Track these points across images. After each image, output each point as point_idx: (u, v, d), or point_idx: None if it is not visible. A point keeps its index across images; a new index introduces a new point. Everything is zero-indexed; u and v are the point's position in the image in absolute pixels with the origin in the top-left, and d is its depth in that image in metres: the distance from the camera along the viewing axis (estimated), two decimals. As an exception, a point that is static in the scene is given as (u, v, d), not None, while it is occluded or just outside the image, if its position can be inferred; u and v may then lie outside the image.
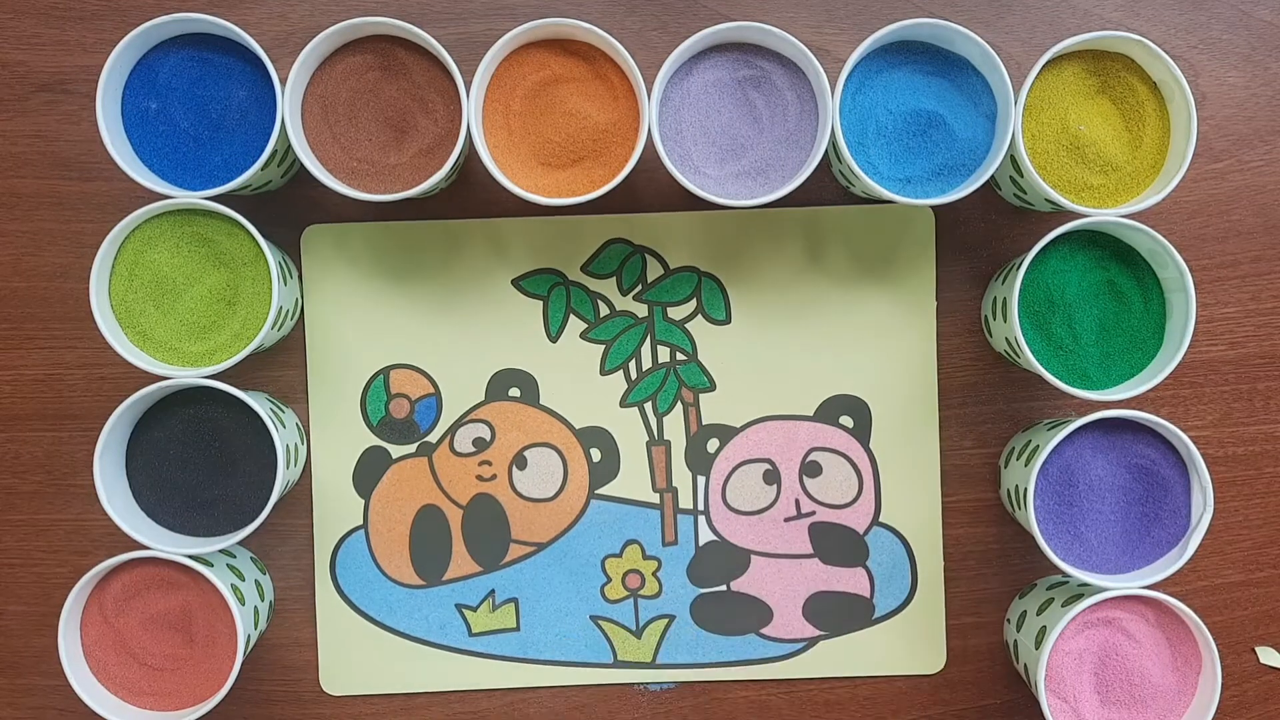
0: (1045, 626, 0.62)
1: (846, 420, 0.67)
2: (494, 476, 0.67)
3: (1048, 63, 0.62)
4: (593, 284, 0.68)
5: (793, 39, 0.61)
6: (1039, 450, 0.62)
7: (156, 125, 0.63)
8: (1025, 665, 0.65)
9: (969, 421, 0.69)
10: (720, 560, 0.68)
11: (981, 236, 0.69)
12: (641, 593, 0.68)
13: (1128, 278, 0.63)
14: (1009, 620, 0.68)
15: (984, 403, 0.69)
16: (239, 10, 0.68)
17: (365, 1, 0.68)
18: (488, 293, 0.68)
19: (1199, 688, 0.62)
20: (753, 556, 0.68)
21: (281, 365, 0.68)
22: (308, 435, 0.68)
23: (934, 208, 0.68)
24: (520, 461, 0.66)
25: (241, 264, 0.62)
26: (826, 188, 0.68)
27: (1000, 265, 0.69)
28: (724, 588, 0.68)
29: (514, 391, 0.67)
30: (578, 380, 0.68)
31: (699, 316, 0.67)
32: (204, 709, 0.61)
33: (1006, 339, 0.64)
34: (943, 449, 0.69)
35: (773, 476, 0.67)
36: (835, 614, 0.68)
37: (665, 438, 0.68)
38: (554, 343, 0.67)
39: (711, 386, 0.68)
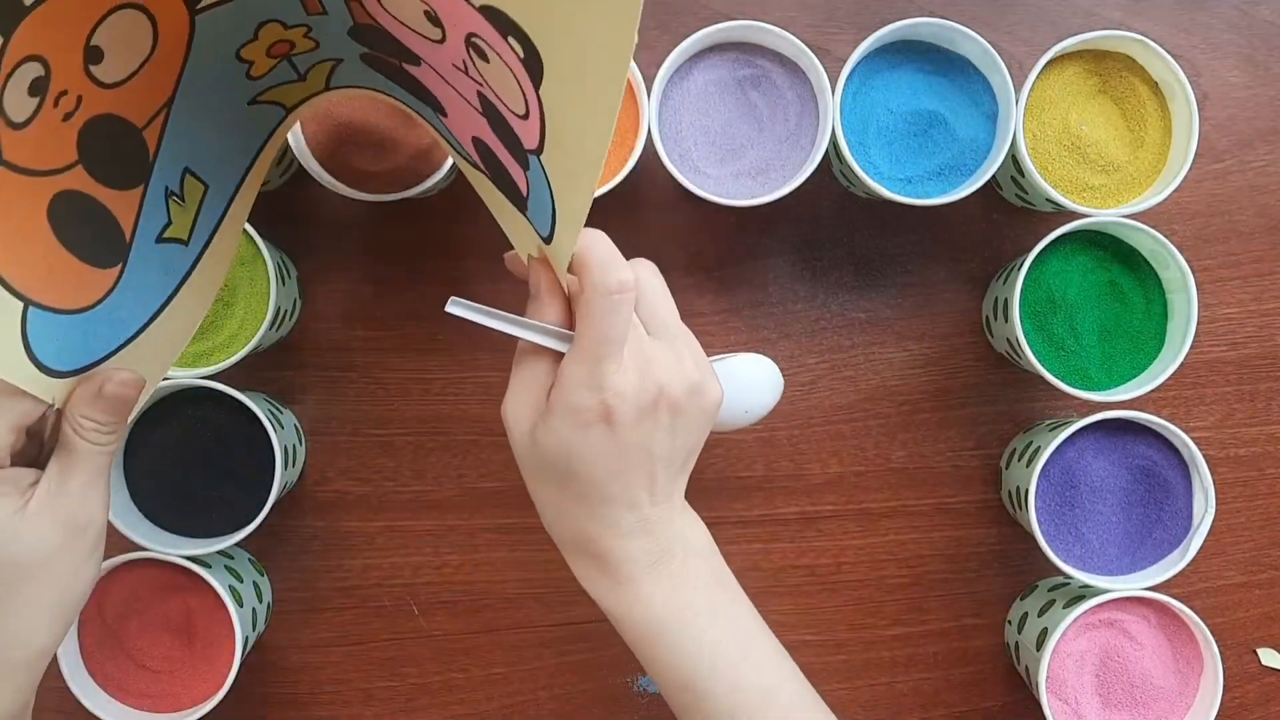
0: (1047, 628, 0.62)
1: (515, 45, 0.41)
2: (79, 103, 0.42)
3: (1049, 62, 0.62)
4: None
5: (793, 38, 0.61)
6: (1040, 451, 0.62)
7: (154, 125, 0.62)
8: (1026, 667, 0.64)
9: (970, 422, 0.69)
10: (386, 43, 0.49)
11: (982, 236, 0.69)
12: (295, 53, 0.50)
13: (1129, 278, 0.63)
14: (1010, 622, 0.68)
15: (985, 403, 0.69)
16: (237, 10, 0.68)
17: (364, 1, 0.68)
18: None
19: (1200, 689, 0.62)
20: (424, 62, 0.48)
21: (279, 365, 0.68)
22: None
23: (934, 207, 0.68)
24: (92, 55, 0.41)
25: (239, 264, 0.62)
26: (827, 188, 0.68)
27: (1001, 265, 0.68)
28: (395, 64, 0.50)
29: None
30: None
31: None
32: (202, 710, 0.61)
33: (1008, 339, 0.64)
34: (943, 450, 0.69)
35: (435, 20, 0.44)
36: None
37: None
38: None
39: None
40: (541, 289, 0.50)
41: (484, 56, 0.44)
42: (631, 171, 0.60)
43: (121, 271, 0.47)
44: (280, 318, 0.63)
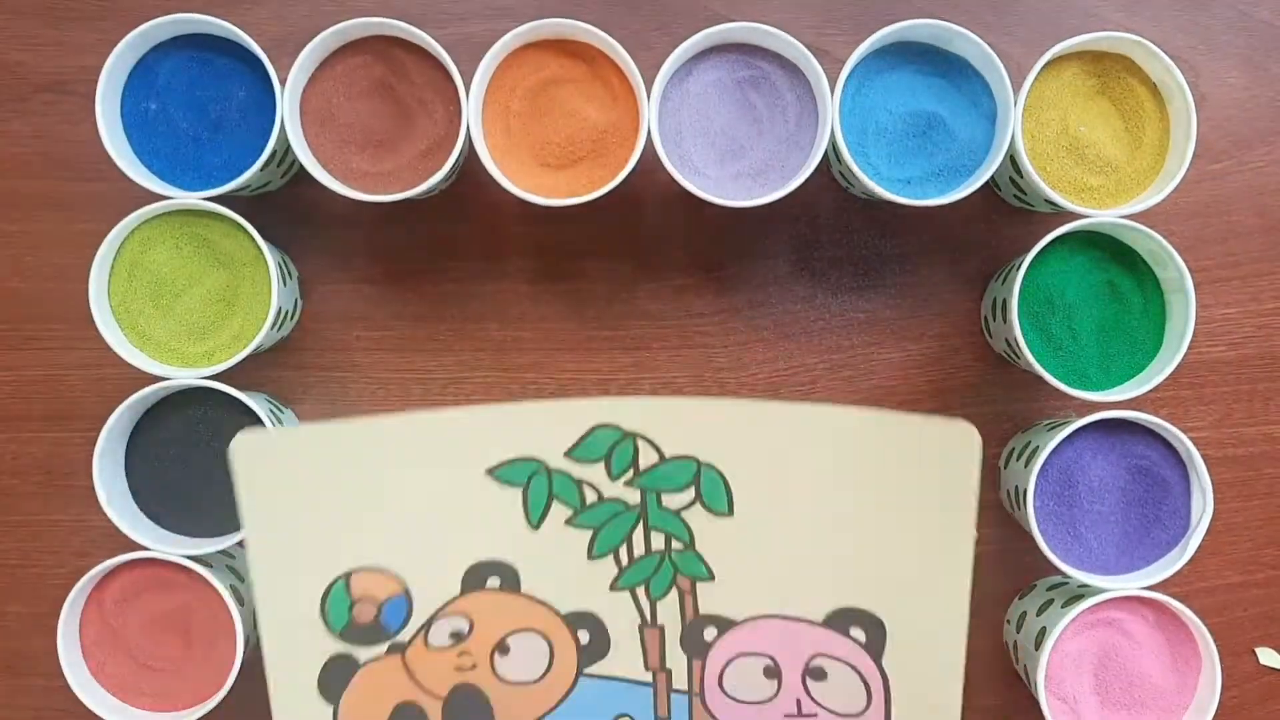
0: (1045, 627, 0.62)
1: (858, 633, 0.59)
2: (474, 666, 0.60)
3: (1047, 63, 0.62)
4: (577, 470, 0.59)
5: (793, 40, 0.61)
6: (1038, 451, 0.62)
7: (156, 126, 0.63)
8: (1025, 666, 0.65)
9: (968, 422, 0.69)
10: None
11: (981, 237, 0.69)
12: None
13: (1127, 278, 0.63)
14: (1009, 621, 0.68)
15: (983, 403, 0.69)
16: (238, 11, 0.68)
17: (365, 2, 0.68)
18: (459, 485, 0.58)
19: (1198, 689, 0.62)
20: None
21: (281, 366, 0.68)
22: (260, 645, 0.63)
23: (933, 208, 0.68)
24: (502, 649, 0.60)
25: (241, 264, 0.62)
26: (826, 189, 0.69)
27: (1000, 266, 0.69)
28: None
29: (493, 581, 0.60)
30: (563, 566, 0.59)
31: (697, 506, 0.59)
32: (203, 710, 0.61)
33: (1006, 339, 0.64)
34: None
35: (773, 672, 0.60)
36: None
37: (659, 622, 0.61)
38: (535, 530, 0.59)
39: (710, 576, 0.60)
40: None
41: (823, 676, 0.59)
42: (631, 173, 0.61)
43: None
44: (281, 318, 0.63)
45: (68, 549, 0.68)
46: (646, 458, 0.60)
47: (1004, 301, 0.63)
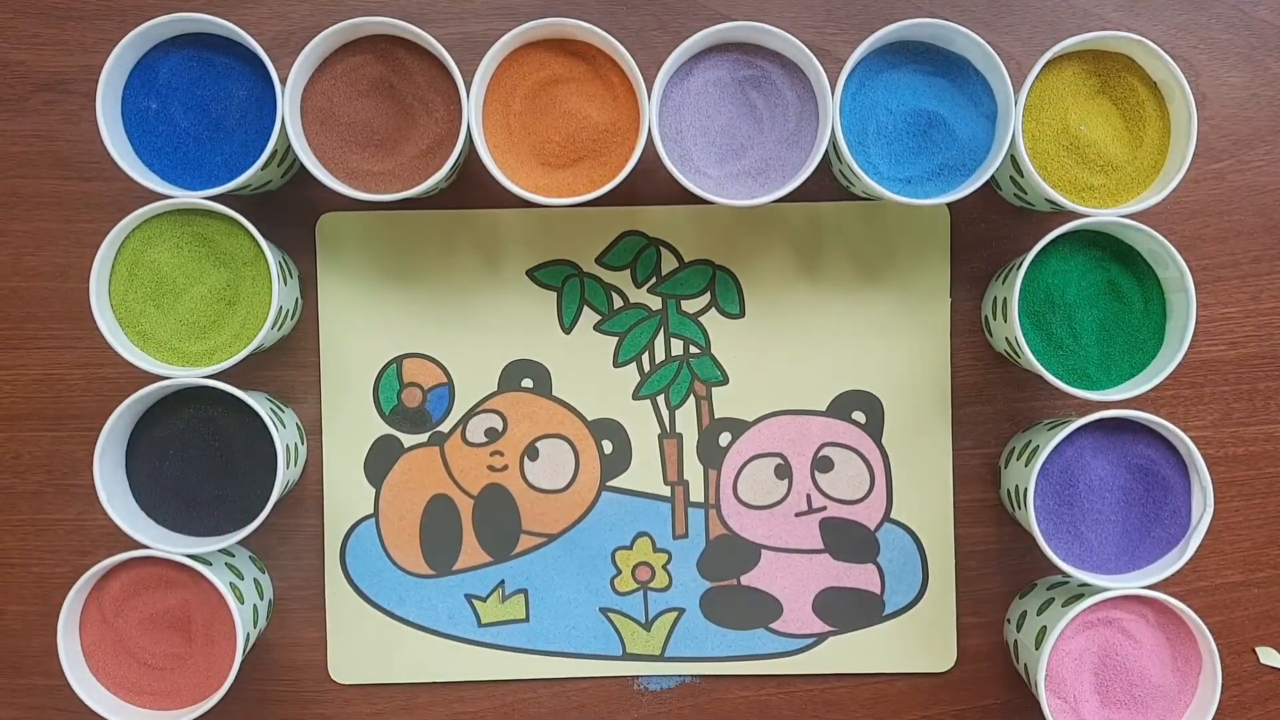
0: (1045, 626, 0.62)
1: (859, 415, 0.68)
2: (505, 467, 0.67)
3: (1048, 63, 0.62)
4: (607, 276, 0.68)
5: (793, 39, 0.61)
6: (1039, 450, 0.62)
7: (156, 125, 0.63)
8: (1025, 665, 0.65)
9: (969, 421, 0.69)
10: (731, 554, 0.68)
11: (982, 236, 0.69)
12: (651, 585, 0.68)
13: (1128, 278, 0.63)
14: (1009, 620, 0.68)
15: (984, 403, 0.69)
16: (239, 10, 0.68)
17: (366, 1, 0.68)
18: (502, 283, 0.68)
19: (1199, 688, 0.62)
20: (763, 551, 0.68)
21: (281, 365, 0.68)
22: (318, 426, 0.68)
23: (934, 208, 0.68)
24: (532, 452, 0.67)
25: (241, 264, 0.62)
26: (827, 188, 0.68)
27: (1000, 265, 0.69)
28: (734, 582, 0.68)
29: (526, 382, 0.67)
30: (590, 372, 0.68)
31: (713, 310, 0.68)
32: (203, 708, 0.61)
33: (1007, 339, 0.64)
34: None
35: (784, 471, 0.67)
36: (845, 610, 0.68)
37: (677, 431, 0.68)
38: (567, 334, 0.68)
39: (724, 380, 0.68)
40: None
41: (829, 466, 0.66)
42: (632, 171, 0.61)
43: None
44: (282, 317, 0.63)
45: (68, 548, 0.68)
46: (668, 265, 0.68)
47: (1004, 301, 0.63)
